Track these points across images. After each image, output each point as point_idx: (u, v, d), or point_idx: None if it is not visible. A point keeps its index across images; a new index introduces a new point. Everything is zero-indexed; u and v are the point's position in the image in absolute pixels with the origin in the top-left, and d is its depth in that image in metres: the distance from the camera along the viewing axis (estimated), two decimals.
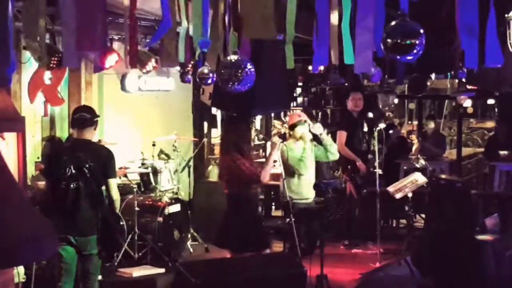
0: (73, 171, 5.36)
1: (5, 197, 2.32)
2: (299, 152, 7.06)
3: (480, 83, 9.22)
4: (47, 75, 7.82)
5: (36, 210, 6.14)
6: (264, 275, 4.44)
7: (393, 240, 8.80)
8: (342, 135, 8.82)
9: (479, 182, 12.23)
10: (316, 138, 7.34)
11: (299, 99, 12.63)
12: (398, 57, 4.13)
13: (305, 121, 7.19)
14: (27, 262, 5.24)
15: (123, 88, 8.87)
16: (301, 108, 12.54)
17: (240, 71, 4.74)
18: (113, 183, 5.48)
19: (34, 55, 6.48)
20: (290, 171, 6.93)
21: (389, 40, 4.00)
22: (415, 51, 3.98)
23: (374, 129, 8.39)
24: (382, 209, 8.12)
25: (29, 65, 7.59)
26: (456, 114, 13.51)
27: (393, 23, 4.05)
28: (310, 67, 11.22)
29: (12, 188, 2.42)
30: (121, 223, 7.46)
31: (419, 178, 8.22)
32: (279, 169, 7.02)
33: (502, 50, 4.94)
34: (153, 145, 8.57)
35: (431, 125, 11.63)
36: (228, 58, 4.87)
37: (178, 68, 8.51)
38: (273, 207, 10.66)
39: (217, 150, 10.85)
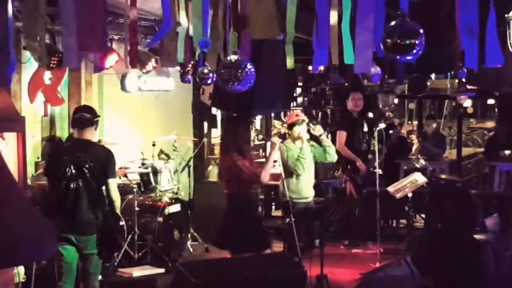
0: (73, 171, 5.37)
1: (5, 197, 2.32)
2: (296, 152, 7.07)
3: (480, 83, 9.21)
4: (47, 75, 7.82)
5: (36, 210, 6.14)
6: (264, 275, 4.44)
7: (393, 240, 8.80)
8: (342, 135, 8.82)
9: (479, 182, 12.23)
10: (316, 139, 7.35)
11: (299, 99, 12.63)
12: (398, 57, 4.13)
13: (303, 120, 7.21)
14: (27, 262, 5.25)
15: (123, 88, 8.87)
16: (301, 108, 12.53)
17: (240, 71, 4.74)
18: (113, 183, 5.48)
19: (34, 55, 6.48)
20: (289, 171, 6.94)
21: (389, 40, 4.00)
22: (415, 51, 3.98)
23: (374, 129, 8.39)
24: (382, 209, 8.12)
25: (29, 65, 7.59)
26: (456, 114, 13.51)
27: (393, 23, 4.05)
28: (310, 67, 11.21)
29: (12, 188, 2.42)
30: (121, 223, 7.45)
31: (419, 178, 8.22)
32: (278, 169, 7.02)
33: (502, 50, 4.94)
34: (153, 145, 8.57)
35: (434, 125, 11.63)
36: (228, 58, 4.87)
37: (178, 68, 8.51)
38: (273, 207, 10.66)
39: (217, 150, 10.85)
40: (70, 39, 4.39)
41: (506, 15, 5.49)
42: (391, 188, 8.04)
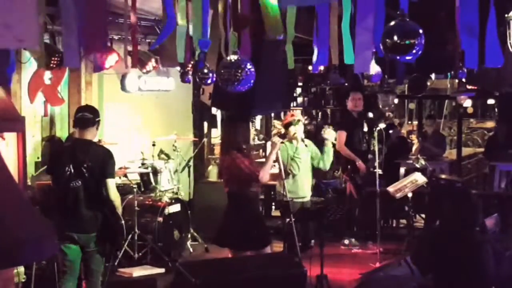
0: (72, 171, 5.40)
1: (5, 197, 2.32)
2: (291, 152, 7.08)
3: (480, 83, 9.21)
4: (47, 75, 7.82)
5: (36, 210, 6.16)
6: (264, 275, 4.44)
7: (393, 240, 8.80)
8: (342, 135, 8.82)
9: (479, 182, 12.22)
10: (319, 142, 7.38)
11: (299, 99, 12.63)
12: (397, 57, 4.13)
13: (299, 120, 7.24)
14: (27, 262, 5.25)
15: (123, 88, 8.87)
16: (301, 108, 12.55)
17: (240, 71, 4.75)
18: (111, 183, 5.49)
19: (34, 55, 6.49)
20: (286, 170, 6.94)
21: (388, 40, 4.00)
22: (414, 51, 3.98)
23: (374, 129, 8.39)
24: (382, 209, 8.12)
25: (29, 65, 7.59)
26: (456, 114, 13.51)
27: (392, 23, 4.05)
28: (310, 67, 11.21)
29: (12, 189, 2.43)
30: (121, 222, 7.44)
31: (419, 178, 8.22)
32: (276, 169, 7.02)
33: (502, 50, 4.94)
34: (153, 145, 8.57)
35: (434, 125, 11.64)
36: (228, 58, 4.87)
37: (178, 68, 8.51)
38: (273, 207, 10.66)
39: (217, 150, 10.86)
40: (70, 39, 4.40)
41: (506, 15, 5.49)
42: (391, 188, 8.05)
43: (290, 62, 5.79)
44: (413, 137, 13.13)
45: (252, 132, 12.06)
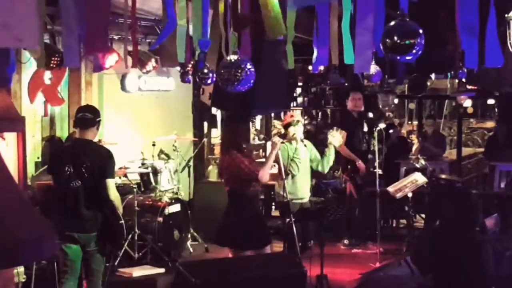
0: (72, 171, 5.40)
1: (5, 198, 2.32)
2: (291, 152, 7.07)
3: (480, 83, 9.22)
4: (47, 75, 7.83)
5: (36, 210, 6.17)
6: (264, 275, 4.44)
7: (393, 240, 8.80)
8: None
9: (479, 182, 12.22)
10: (319, 142, 7.39)
11: (299, 99, 12.62)
12: (397, 57, 4.14)
13: (298, 121, 7.24)
14: (27, 262, 5.26)
15: (123, 88, 8.87)
16: (301, 108, 12.54)
17: (240, 71, 4.75)
18: (111, 183, 5.49)
19: (34, 55, 6.50)
20: (285, 170, 6.93)
21: (388, 40, 4.00)
22: (414, 51, 3.98)
23: (374, 129, 8.39)
24: (382, 209, 8.12)
25: (29, 65, 7.59)
26: (456, 114, 13.51)
27: (392, 23, 4.05)
28: (310, 67, 11.21)
29: (12, 189, 2.43)
30: (121, 222, 7.45)
31: (419, 178, 8.22)
32: (275, 169, 7.01)
33: (502, 50, 4.94)
34: (153, 145, 8.57)
35: (434, 125, 11.64)
36: (228, 58, 4.87)
37: (178, 68, 8.51)
38: (273, 207, 10.66)
39: (217, 150, 10.86)
40: (70, 39, 4.40)
41: (506, 15, 5.49)
42: (391, 188, 8.04)
43: (290, 62, 5.79)
44: (413, 137, 13.13)
45: (252, 132, 12.07)
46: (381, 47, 4.09)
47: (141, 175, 8.47)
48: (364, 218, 8.86)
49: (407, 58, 4.07)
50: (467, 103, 12.42)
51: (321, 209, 6.83)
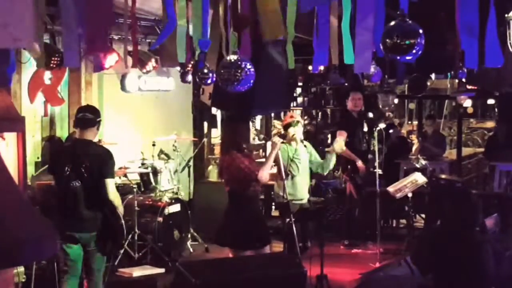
0: (72, 171, 5.41)
1: (5, 198, 2.32)
2: (291, 153, 7.06)
3: (480, 83, 9.21)
4: (47, 75, 7.83)
5: (36, 210, 6.17)
6: (264, 275, 4.44)
7: (393, 240, 8.80)
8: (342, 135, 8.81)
9: (479, 182, 12.23)
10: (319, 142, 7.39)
11: (299, 99, 12.62)
12: (397, 57, 4.14)
13: (298, 121, 7.22)
14: (27, 262, 5.26)
15: (123, 88, 8.87)
16: (301, 108, 12.54)
17: (239, 71, 4.75)
18: (110, 183, 5.49)
19: (34, 55, 6.49)
20: (285, 171, 6.93)
21: (388, 40, 4.01)
22: (414, 51, 3.99)
23: (374, 129, 8.39)
24: (382, 209, 8.11)
25: (29, 65, 7.60)
26: (456, 114, 13.51)
27: (392, 23, 4.05)
28: (310, 67, 11.21)
29: (12, 189, 2.43)
30: (120, 222, 7.45)
31: (419, 178, 8.22)
32: (273, 169, 7.01)
33: (502, 50, 4.94)
34: (153, 145, 8.57)
35: (434, 125, 11.64)
36: (228, 58, 4.87)
37: (178, 68, 8.51)
38: (273, 207, 10.66)
39: (217, 150, 10.86)
40: (70, 39, 4.40)
41: (506, 15, 5.49)
42: (391, 188, 8.05)
43: (290, 62, 5.79)
44: (413, 137, 13.13)
45: (252, 132, 12.06)
46: (381, 47, 4.09)
47: (141, 175, 8.48)
48: (364, 218, 8.86)
49: (407, 58, 4.07)
50: (467, 103, 12.42)
51: (321, 209, 6.82)
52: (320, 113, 12.94)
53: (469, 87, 9.96)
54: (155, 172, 8.47)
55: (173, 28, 4.92)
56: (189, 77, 8.81)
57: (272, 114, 12.25)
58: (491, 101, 14.28)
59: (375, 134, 8.30)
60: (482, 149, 12.54)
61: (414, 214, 8.95)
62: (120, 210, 5.62)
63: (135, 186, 8.04)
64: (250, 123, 11.46)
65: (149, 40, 8.73)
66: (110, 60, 7.82)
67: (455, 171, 11.07)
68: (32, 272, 6.11)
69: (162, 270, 7.51)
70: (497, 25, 4.78)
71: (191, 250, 8.46)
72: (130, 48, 5.83)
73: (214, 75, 6.11)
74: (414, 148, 11.37)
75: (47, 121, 8.20)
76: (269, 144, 7.28)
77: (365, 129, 9.00)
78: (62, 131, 8.34)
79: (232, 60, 4.81)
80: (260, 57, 6.40)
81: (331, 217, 6.45)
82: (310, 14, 5.59)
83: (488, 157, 10.77)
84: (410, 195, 8.09)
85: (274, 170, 7.11)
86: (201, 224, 8.79)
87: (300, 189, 7.14)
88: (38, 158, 7.88)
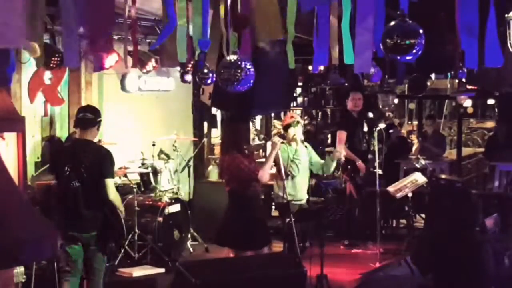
0: (72, 171, 5.41)
1: (6, 199, 2.33)
2: (291, 154, 7.05)
3: (480, 83, 9.21)
4: (47, 75, 7.82)
5: (36, 211, 6.18)
6: (264, 275, 4.44)
7: (393, 240, 8.80)
8: (341, 135, 8.82)
9: (479, 182, 12.22)
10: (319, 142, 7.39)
11: (299, 99, 12.62)
12: (398, 57, 4.14)
13: (298, 122, 7.21)
14: (27, 262, 5.26)
15: (123, 88, 8.87)
16: (301, 108, 12.54)
17: (239, 71, 4.75)
18: (110, 183, 5.49)
19: (33, 55, 6.48)
20: (285, 171, 6.92)
21: (388, 40, 4.01)
22: (414, 51, 3.99)
23: (374, 129, 8.39)
24: (382, 209, 8.12)
25: (29, 65, 7.59)
26: (456, 114, 13.51)
27: (392, 23, 4.05)
28: (310, 67, 11.21)
29: (12, 190, 2.43)
30: (120, 222, 7.44)
31: (419, 178, 8.22)
32: (273, 169, 7.01)
33: (502, 50, 4.95)
34: (153, 145, 8.57)
35: (434, 125, 11.64)
36: (228, 58, 4.88)
37: (178, 68, 8.51)
38: (273, 207, 10.66)
39: (217, 150, 10.86)
40: (70, 39, 4.40)
41: (506, 15, 5.49)
42: (391, 188, 8.05)
43: (291, 62, 5.79)
44: (413, 137, 13.13)
45: (252, 132, 12.06)
46: (381, 47, 4.09)
47: (141, 175, 8.48)
48: (364, 218, 8.86)
49: (407, 58, 4.07)
50: (467, 103, 12.41)
51: (321, 209, 6.82)
52: (320, 113, 12.95)
53: (469, 87, 9.96)
54: (155, 172, 8.47)
55: (173, 28, 4.92)
56: (189, 77, 8.81)
57: (272, 114, 12.26)
58: (491, 101, 14.27)
59: (375, 134, 8.30)
60: (482, 149, 12.54)
61: (414, 214, 8.95)
62: (121, 210, 5.62)
63: (135, 186, 8.05)
64: (250, 123, 11.46)
65: (149, 40, 8.72)
66: (110, 60, 7.81)
67: (455, 171, 11.07)
68: (32, 272, 6.11)
69: (162, 270, 7.51)
70: (497, 25, 4.78)
71: (191, 250, 8.46)
72: (130, 48, 5.82)
73: (214, 75, 6.11)
74: (414, 148, 11.37)
75: (47, 121, 8.19)
76: (269, 144, 7.28)
77: (365, 129, 9.00)
78: (62, 131, 8.34)
79: (232, 60, 4.81)
80: (260, 57, 6.41)
81: (331, 217, 6.44)
82: (310, 14, 5.59)
83: (488, 157, 10.77)
84: (410, 195, 8.09)
85: (274, 170, 7.11)
86: (201, 224, 8.79)
87: (300, 190, 7.13)
88: (38, 158, 7.88)
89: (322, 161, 7.26)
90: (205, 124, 10.75)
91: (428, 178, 8.50)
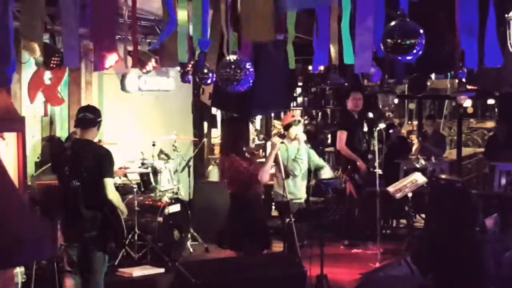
0: (71, 171, 5.42)
1: (5, 199, 2.33)
2: (293, 153, 7.06)
3: (480, 83, 9.21)
4: (47, 75, 7.83)
5: (36, 211, 6.20)
6: (264, 275, 4.44)
7: (393, 240, 8.80)
8: (342, 135, 8.82)
9: (479, 182, 12.23)
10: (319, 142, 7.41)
11: (299, 99, 12.63)
12: (398, 57, 4.14)
13: (299, 121, 7.21)
14: (27, 262, 5.27)
15: (123, 88, 8.87)
16: (301, 108, 12.54)
17: (239, 71, 4.75)
18: (109, 182, 5.49)
19: (31, 55, 6.49)
20: (286, 170, 6.92)
21: (389, 40, 4.01)
22: (415, 51, 3.99)
23: (374, 129, 8.39)
24: (382, 209, 8.11)
25: (29, 65, 7.59)
26: (456, 114, 13.51)
27: (393, 23, 4.05)
28: (310, 67, 11.21)
29: (12, 191, 2.43)
30: (120, 221, 7.44)
31: (419, 178, 8.22)
32: (273, 169, 7.01)
33: (502, 50, 4.95)
34: (153, 145, 8.57)
35: (434, 125, 11.64)
36: (228, 58, 4.88)
37: (178, 68, 8.51)
38: (273, 207, 10.65)
39: (217, 150, 10.86)
40: (70, 39, 4.40)
41: (506, 15, 5.49)
42: (391, 188, 8.04)
43: (291, 62, 5.79)
44: (413, 137, 13.13)
45: (252, 132, 12.06)
46: (382, 47, 4.09)
47: (141, 175, 8.47)
48: (364, 218, 8.86)
49: (408, 58, 4.07)
50: (467, 103, 12.42)
51: (321, 209, 6.82)
52: (320, 113, 12.94)
53: (469, 87, 9.96)
54: (155, 172, 8.47)
55: (173, 28, 4.92)
56: (189, 77, 8.81)
57: (272, 114, 12.26)
58: (491, 101, 14.27)
59: (375, 134, 8.30)
60: (482, 149, 12.54)
61: (414, 214, 8.94)
62: (122, 209, 5.62)
63: (135, 186, 8.04)
64: (250, 124, 11.46)
65: (149, 40, 8.72)
66: (110, 60, 7.80)
67: (455, 171, 11.07)
68: (32, 272, 6.11)
69: (162, 270, 7.51)
70: (497, 25, 4.78)
71: (191, 250, 8.46)
72: (130, 48, 5.83)
73: (214, 75, 6.11)
74: (414, 148, 11.37)
75: (47, 121, 8.19)
76: (269, 144, 7.28)
77: (365, 129, 9.00)
78: (62, 131, 8.34)
79: (232, 60, 4.81)
80: (260, 57, 6.41)
81: (331, 217, 6.44)
82: (310, 14, 5.60)
83: (488, 157, 10.77)
84: (410, 195, 8.09)
85: (274, 170, 7.11)
86: (201, 224, 8.79)
87: (300, 188, 7.15)
88: (38, 158, 7.88)
89: (318, 162, 7.29)
90: (205, 124, 10.75)
91: (428, 178, 8.50)
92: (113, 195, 5.53)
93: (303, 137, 7.17)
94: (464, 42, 4.84)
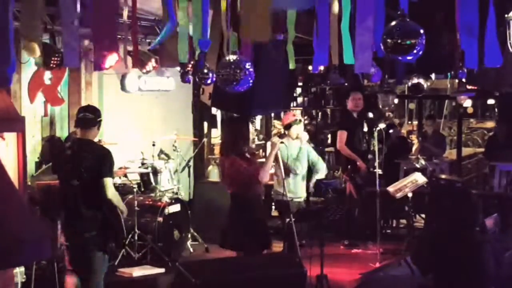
0: (71, 171, 5.43)
1: (5, 200, 2.33)
2: (295, 152, 7.06)
3: (480, 83, 9.21)
4: (47, 75, 7.83)
5: (35, 211, 6.20)
6: (264, 275, 4.44)
7: (393, 240, 8.80)
8: (342, 135, 8.82)
9: (479, 182, 12.22)
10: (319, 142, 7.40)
11: (299, 99, 12.62)
12: (398, 57, 4.14)
13: (300, 120, 7.21)
14: (27, 262, 5.26)
15: (123, 88, 8.86)
16: (301, 108, 12.54)
17: (239, 71, 4.75)
18: (108, 182, 5.49)
19: (31, 55, 6.48)
20: (286, 170, 6.92)
21: (389, 40, 4.01)
22: (415, 51, 3.99)
23: (374, 129, 8.39)
24: (382, 209, 8.11)
25: (29, 65, 7.60)
26: (456, 114, 13.50)
27: (393, 23, 4.05)
28: (310, 67, 11.21)
29: (11, 192, 2.43)
30: (120, 221, 7.44)
31: (419, 178, 8.22)
32: (273, 169, 7.01)
33: (502, 50, 4.95)
34: (153, 145, 8.57)
35: (434, 125, 11.63)
36: (228, 58, 4.87)
37: (178, 68, 8.51)
38: (273, 207, 10.65)
39: (217, 150, 10.85)
40: (70, 39, 4.40)
41: (506, 15, 5.49)
42: (391, 188, 8.04)
43: (291, 62, 5.79)
44: (413, 137, 13.12)
45: (252, 132, 12.06)
46: (382, 47, 4.09)
47: (141, 175, 8.48)
48: (364, 218, 8.86)
49: (408, 58, 4.08)
50: (467, 103, 12.41)
51: (321, 209, 6.82)
52: (320, 113, 12.94)
53: (469, 87, 9.95)
54: (155, 172, 8.47)
55: (173, 28, 4.92)
56: (189, 77, 8.81)
57: (272, 114, 12.25)
58: (491, 101, 14.26)
59: (375, 134, 8.30)
60: (482, 149, 12.53)
61: (414, 214, 8.94)
62: (122, 209, 5.62)
63: (135, 186, 8.04)
64: (250, 124, 11.46)
65: (149, 40, 8.71)
66: (110, 60, 7.80)
67: (455, 171, 11.07)
68: (32, 272, 6.11)
69: (162, 270, 7.51)
70: (497, 25, 4.78)
71: (191, 250, 8.46)
72: (130, 48, 5.83)
73: (214, 75, 6.11)
74: (414, 148, 11.36)
75: (47, 121, 8.20)
76: (269, 144, 7.28)
77: (365, 129, 9.00)
78: (62, 131, 8.34)
79: (232, 60, 4.81)
80: (260, 57, 6.40)
81: (331, 217, 6.44)
82: (310, 14, 5.59)
83: (488, 157, 10.77)
84: (410, 195, 8.09)
85: (274, 170, 7.11)
86: (201, 224, 8.79)
87: (300, 187, 7.16)
88: (38, 158, 7.88)
89: (316, 160, 7.29)
90: (205, 124, 10.75)
91: (428, 178, 8.50)
92: (113, 195, 5.53)
93: (305, 136, 7.18)
94: (464, 42, 4.84)
